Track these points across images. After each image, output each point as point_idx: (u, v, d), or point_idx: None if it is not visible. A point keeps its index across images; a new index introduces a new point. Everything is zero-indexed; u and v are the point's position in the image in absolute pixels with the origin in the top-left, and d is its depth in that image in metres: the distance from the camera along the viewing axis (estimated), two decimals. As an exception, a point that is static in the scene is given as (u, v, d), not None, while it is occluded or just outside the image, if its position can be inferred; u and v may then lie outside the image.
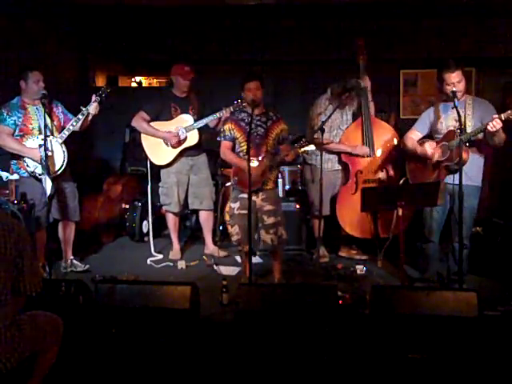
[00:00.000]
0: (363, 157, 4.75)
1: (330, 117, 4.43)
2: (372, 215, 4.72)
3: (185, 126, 4.72)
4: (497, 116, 3.64)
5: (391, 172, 4.78)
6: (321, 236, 4.79)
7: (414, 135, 4.17)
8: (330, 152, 4.77)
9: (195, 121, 4.72)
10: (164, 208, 5.01)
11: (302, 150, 4.01)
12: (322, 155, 4.40)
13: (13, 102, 4.31)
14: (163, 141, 4.76)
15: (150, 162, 4.89)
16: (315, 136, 4.41)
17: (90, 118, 4.41)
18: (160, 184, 4.94)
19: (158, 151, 4.80)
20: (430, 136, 4.17)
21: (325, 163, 4.77)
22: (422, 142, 4.13)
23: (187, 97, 4.83)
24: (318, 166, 4.76)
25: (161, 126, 4.78)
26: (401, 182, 4.52)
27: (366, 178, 4.74)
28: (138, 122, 4.80)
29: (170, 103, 4.78)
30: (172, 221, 5.03)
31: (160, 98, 4.91)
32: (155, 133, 4.77)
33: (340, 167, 4.87)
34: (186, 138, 4.74)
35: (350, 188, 4.78)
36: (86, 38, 6.35)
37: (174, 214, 4.99)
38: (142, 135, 4.84)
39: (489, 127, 3.64)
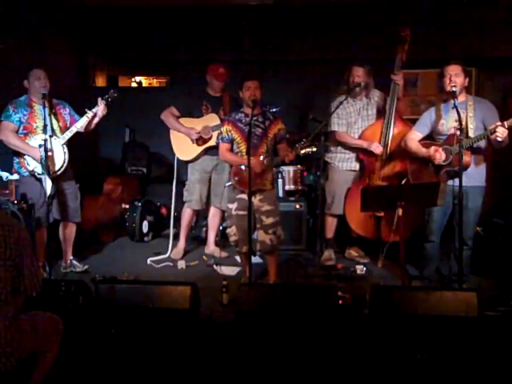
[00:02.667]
0: (377, 156, 4.64)
1: (332, 113, 4.46)
2: (376, 218, 4.66)
3: (212, 125, 4.77)
4: (500, 124, 3.62)
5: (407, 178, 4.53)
6: (331, 237, 4.80)
7: (414, 136, 4.13)
8: (349, 148, 4.76)
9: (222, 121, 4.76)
10: (186, 205, 5.05)
11: (303, 151, 3.99)
12: (323, 155, 4.41)
13: (21, 99, 4.31)
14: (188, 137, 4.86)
15: (177, 161, 5.00)
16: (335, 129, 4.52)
17: (96, 120, 4.41)
18: (186, 181, 5.03)
19: (183, 147, 4.90)
20: (430, 137, 4.14)
21: (341, 162, 4.79)
22: (424, 142, 4.10)
23: (220, 97, 4.89)
24: (333, 164, 4.78)
25: (188, 122, 4.87)
26: (402, 182, 4.48)
27: (379, 183, 4.64)
28: (166, 115, 4.91)
29: (202, 101, 4.86)
30: (187, 218, 5.07)
31: (193, 96, 4.98)
32: (179, 128, 4.87)
33: (357, 167, 4.82)
34: (211, 136, 4.79)
35: (362, 187, 4.72)
36: (86, 38, 6.35)
37: (193, 211, 5.05)
38: (171, 130, 4.94)
39: (498, 138, 3.61)
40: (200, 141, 4.82)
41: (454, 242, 4.00)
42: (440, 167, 3.95)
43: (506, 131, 3.61)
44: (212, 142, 4.79)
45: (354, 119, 4.72)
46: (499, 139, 3.63)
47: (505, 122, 3.61)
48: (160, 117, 4.92)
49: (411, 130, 4.25)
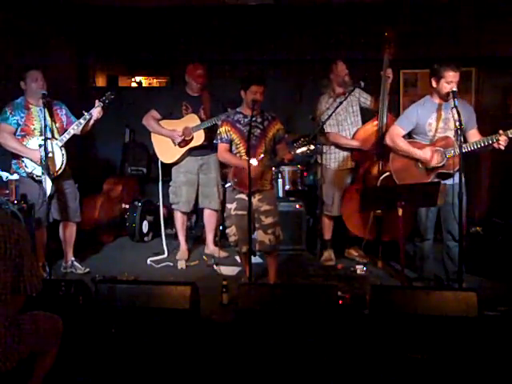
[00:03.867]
0: (372, 156, 4.63)
1: (331, 115, 4.43)
2: (375, 218, 4.65)
3: (192, 125, 4.75)
4: (502, 132, 3.67)
5: None
6: (329, 238, 4.80)
7: (398, 132, 4.05)
8: (342, 149, 4.75)
9: (202, 121, 4.74)
10: (173, 207, 5.04)
11: (301, 150, 3.98)
12: (322, 154, 4.39)
13: (17, 101, 4.31)
14: (171, 139, 4.82)
15: (161, 162, 4.97)
16: (327, 130, 4.49)
17: (91, 122, 4.40)
18: (170, 183, 5.00)
19: (165, 149, 4.87)
20: (408, 134, 4.09)
21: (335, 162, 4.78)
22: (411, 141, 4.06)
23: (200, 96, 4.87)
24: (328, 165, 4.77)
25: (169, 124, 4.84)
26: (382, 176, 4.46)
27: (374, 182, 4.62)
28: (148, 120, 4.89)
29: (181, 102, 4.84)
30: (180, 220, 5.06)
31: (172, 97, 4.96)
32: (161, 131, 4.84)
33: (351, 167, 4.81)
34: (192, 137, 4.77)
35: (358, 187, 4.70)
36: (86, 38, 6.35)
37: (182, 213, 5.02)
38: (152, 134, 4.92)
39: (500, 146, 3.69)
40: (182, 142, 4.80)
41: (444, 241, 4.04)
42: (432, 168, 3.94)
43: (507, 140, 3.68)
44: (194, 143, 4.79)
45: (343, 116, 4.72)
46: (501, 148, 3.70)
47: (508, 132, 3.67)
48: (142, 122, 4.89)
49: (394, 124, 4.15)
